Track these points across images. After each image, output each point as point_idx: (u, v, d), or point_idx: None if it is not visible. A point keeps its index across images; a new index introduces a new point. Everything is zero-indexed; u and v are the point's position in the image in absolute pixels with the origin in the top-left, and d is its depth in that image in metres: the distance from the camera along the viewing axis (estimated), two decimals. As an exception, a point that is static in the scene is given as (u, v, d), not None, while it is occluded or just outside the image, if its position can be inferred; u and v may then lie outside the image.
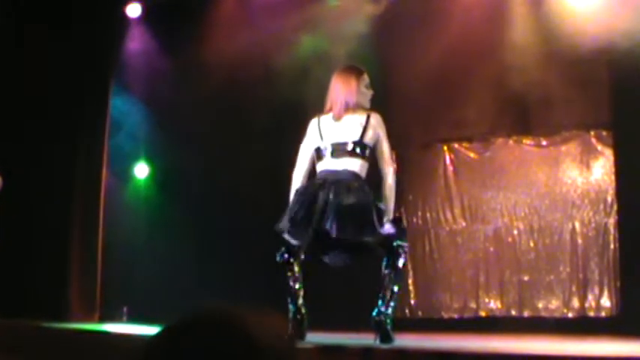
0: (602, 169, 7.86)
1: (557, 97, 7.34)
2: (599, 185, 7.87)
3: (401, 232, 4.59)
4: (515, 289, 8.13)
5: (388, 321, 4.43)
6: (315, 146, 4.69)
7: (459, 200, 8.51)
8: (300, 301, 4.54)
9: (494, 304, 8.22)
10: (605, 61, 7.01)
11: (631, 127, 6.98)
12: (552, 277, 7.95)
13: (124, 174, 9.28)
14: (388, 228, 4.45)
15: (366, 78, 4.75)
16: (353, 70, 4.78)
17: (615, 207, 7.58)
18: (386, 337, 4.37)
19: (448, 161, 8.61)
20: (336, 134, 4.62)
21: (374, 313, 4.45)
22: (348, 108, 4.63)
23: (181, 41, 8.45)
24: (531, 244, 8.11)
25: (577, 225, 7.92)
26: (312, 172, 4.78)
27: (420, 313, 8.50)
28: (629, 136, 7.06)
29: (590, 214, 7.87)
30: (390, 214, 4.54)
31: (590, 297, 7.77)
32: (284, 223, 4.53)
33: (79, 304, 8.22)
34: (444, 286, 8.47)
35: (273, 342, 0.99)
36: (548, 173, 8.10)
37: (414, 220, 8.66)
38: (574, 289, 7.84)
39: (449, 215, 8.54)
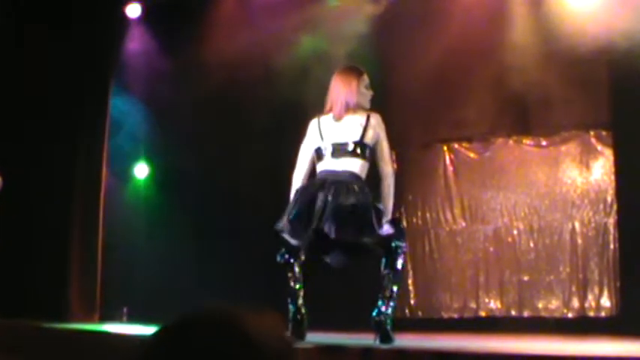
0: (601, 169, 7.87)
1: (556, 97, 7.35)
2: (598, 185, 7.87)
3: (399, 232, 4.59)
4: (515, 289, 8.13)
5: (388, 321, 4.43)
6: (316, 146, 4.70)
7: (459, 200, 8.52)
8: (300, 301, 4.54)
9: (494, 304, 8.22)
10: (604, 61, 7.01)
11: (631, 127, 6.98)
12: (552, 277, 7.95)
13: (124, 174, 9.28)
14: (387, 229, 4.46)
15: (366, 79, 4.75)
16: (353, 70, 4.79)
17: (615, 207, 7.58)
18: (386, 337, 4.38)
19: (448, 161, 8.61)
20: (337, 134, 4.62)
21: (374, 314, 4.46)
22: (349, 108, 4.64)
23: (181, 41, 8.45)
24: (531, 244, 8.11)
25: (577, 225, 7.92)
26: (312, 173, 4.79)
27: (419, 313, 8.50)
28: (629, 136, 7.06)
29: (590, 214, 7.88)
30: (388, 215, 4.55)
31: (590, 297, 7.77)
32: (283, 223, 4.53)
33: (79, 304, 8.22)
34: (444, 286, 8.47)
35: (272, 342, 0.99)
36: (547, 173, 8.11)
37: (414, 220, 8.66)
38: (574, 289, 7.84)
39: (449, 215, 8.55)
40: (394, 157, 7.70)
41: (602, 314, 7.67)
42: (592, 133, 7.92)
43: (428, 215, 8.64)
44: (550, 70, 7.20)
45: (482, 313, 8.23)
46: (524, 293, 8.07)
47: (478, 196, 8.43)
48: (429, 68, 7.51)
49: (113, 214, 8.72)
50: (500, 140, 8.36)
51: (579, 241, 7.88)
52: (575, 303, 7.81)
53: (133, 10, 8.88)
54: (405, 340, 4.80)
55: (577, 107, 7.57)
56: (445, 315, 8.37)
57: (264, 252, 5.21)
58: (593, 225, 7.85)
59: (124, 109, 8.98)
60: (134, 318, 8.34)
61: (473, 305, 8.29)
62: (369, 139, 4.59)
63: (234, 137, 8.35)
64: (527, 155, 8.23)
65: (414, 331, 6.54)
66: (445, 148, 8.62)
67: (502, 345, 4.97)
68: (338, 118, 4.64)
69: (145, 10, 8.87)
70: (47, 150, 8.02)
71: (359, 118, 4.62)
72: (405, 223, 8.27)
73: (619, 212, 7.43)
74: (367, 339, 4.43)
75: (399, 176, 5.46)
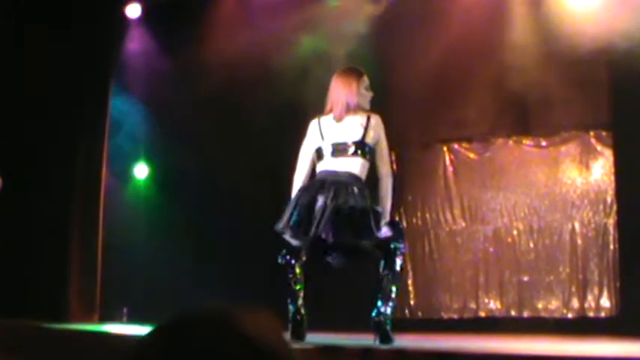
0: (601, 170, 7.87)
1: (556, 98, 7.35)
2: (598, 186, 7.87)
3: (398, 234, 4.59)
4: (515, 289, 8.13)
5: (388, 321, 4.43)
6: (316, 146, 4.70)
7: (459, 201, 8.51)
8: (300, 301, 4.55)
9: (493, 305, 8.22)
10: (604, 61, 7.01)
11: (630, 128, 6.98)
12: (552, 277, 7.96)
13: (123, 174, 9.28)
14: (385, 231, 4.46)
15: (365, 80, 4.75)
16: (353, 71, 4.79)
17: (615, 207, 7.59)
18: (385, 338, 4.38)
19: (448, 161, 8.61)
20: (338, 134, 4.63)
21: (373, 314, 4.46)
22: (349, 110, 4.64)
23: (181, 41, 8.44)
24: (531, 245, 8.11)
25: (577, 225, 7.92)
26: (313, 173, 4.79)
27: (419, 313, 8.50)
28: (629, 136, 7.06)
29: (590, 214, 7.88)
30: (387, 216, 4.55)
31: (589, 297, 7.77)
32: (283, 224, 4.53)
33: (79, 305, 8.21)
34: (444, 286, 8.47)
35: (270, 342, 0.99)
36: (547, 174, 8.11)
37: (414, 220, 8.66)
38: (574, 289, 7.84)
39: (448, 216, 8.55)
40: (394, 158, 7.71)
41: (602, 315, 7.67)
42: (592, 133, 7.93)
43: (428, 215, 8.64)
44: (550, 71, 7.20)
45: (482, 314, 8.24)
46: (524, 293, 8.07)
47: (478, 197, 8.44)
48: (429, 68, 7.51)
49: (113, 214, 8.71)
50: (500, 140, 8.36)
51: (579, 241, 7.89)
52: (575, 303, 7.81)
53: (133, 11, 8.87)
54: (405, 341, 4.79)
55: (577, 107, 7.57)
56: (445, 315, 8.37)
57: (264, 252, 5.21)
58: (592, 225, 7.86)
59: (123, 109, 8.97)
60: (134, 318, 8.33)
61: (473, 306, 8.29)
62: (370, 139, 4.60)
63: (234, 137, 8.34)
64: (527, 155, 8.23)
65: (413, 331, 6.54)
66: (445, 148, 8.62)
67: (502, 345, 4.97)
68: (338, 119, 4.65)
69: (144, 11, 8.86)
70: (47, 150, 8.01)
71: (359, 119, 4.62)
72: (404, 224, 8.27)
73: (619, 213, 7.43)
74: (367, 339, 4.43)
75: (398, 176, 5.47)
